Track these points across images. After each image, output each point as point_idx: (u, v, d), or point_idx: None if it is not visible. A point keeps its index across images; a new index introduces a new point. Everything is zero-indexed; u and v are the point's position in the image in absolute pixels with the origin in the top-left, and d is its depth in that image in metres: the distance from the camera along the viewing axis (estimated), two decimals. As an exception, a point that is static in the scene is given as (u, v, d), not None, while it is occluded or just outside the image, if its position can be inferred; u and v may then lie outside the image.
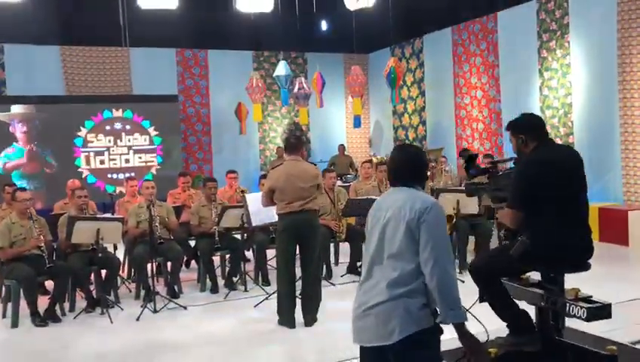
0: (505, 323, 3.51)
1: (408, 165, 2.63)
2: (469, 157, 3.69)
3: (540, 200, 3.20)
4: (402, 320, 2.37)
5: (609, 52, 8.89)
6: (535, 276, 3.62)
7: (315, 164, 5.84)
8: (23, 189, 6.05)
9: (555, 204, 3.21)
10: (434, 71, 12.78)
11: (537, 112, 10.16)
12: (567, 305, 3.24)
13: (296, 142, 5.40)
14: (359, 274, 6.67)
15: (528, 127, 3.46)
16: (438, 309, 2.43)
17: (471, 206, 6.61)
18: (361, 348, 2.58)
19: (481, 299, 3.55)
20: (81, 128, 11.64)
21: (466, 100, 11.88)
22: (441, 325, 2.46)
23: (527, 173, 3.29)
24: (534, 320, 3.57)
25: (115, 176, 11.85)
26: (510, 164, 3.97)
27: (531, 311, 3.59)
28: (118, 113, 11.91)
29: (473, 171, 3.72)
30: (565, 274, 3.44)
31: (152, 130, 12.18)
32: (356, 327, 2.54)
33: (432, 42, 12.83)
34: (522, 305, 3.53)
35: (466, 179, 7.35)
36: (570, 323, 3.65)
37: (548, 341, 3.42)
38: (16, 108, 11.22)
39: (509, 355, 3.25)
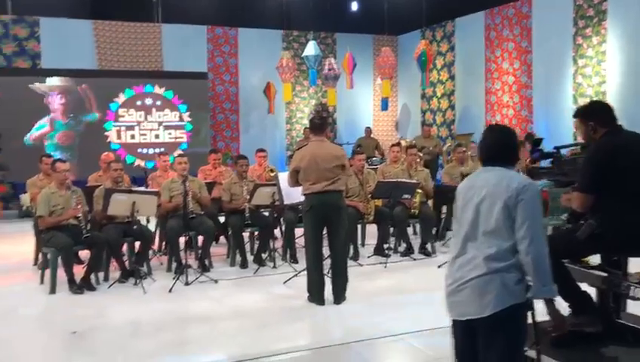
0: (567, 304, 3.58)
1: (501, 145, 2.67)
2: (534, 141, 3.73)
3: (611, 185, 3.24)
4: (498, 293, 2.45)
5: (647, 40, 8.75)
6: (595, 259, 3.68)
7: (341, 145, 5.91)
8: (63, 161, 6.19)
9: (625, 188, 3.25)
10: (465, 55, 12.67)
11: (569, 100, 10.07)
12: (632, 288, 3.27)
13: (321, 122, 5.44)
14: (386, 255, 6.79)
15: (598, 114, 3.50)
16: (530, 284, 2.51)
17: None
18: (454, 322, 2.67)
19: None
20: (120, 95, 11.82)
21: (496, 86, 11.77)
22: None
23: (598, 158, 3.33)
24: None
25: (144, 150, 12.03)
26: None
27: (592, 293, 3.65)
28: (149, 89, 12.06)
29: (536, 155, 3.78)
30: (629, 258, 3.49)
31: (181, 107, 12.31)
32: (450, 302, 2.62)
33: (464, 25, 12.69)
34: (583, 287, 3.59)
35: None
36: (630, 307, 3.71)
37: (609, 323, 3.49)
38: (53, 81, 11.41)
39: (570, 335, 3.32)
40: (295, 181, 5.30)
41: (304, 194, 5.27)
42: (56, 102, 11.38)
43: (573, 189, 3.39)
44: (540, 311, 2.60)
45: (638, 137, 3.60)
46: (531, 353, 2.78)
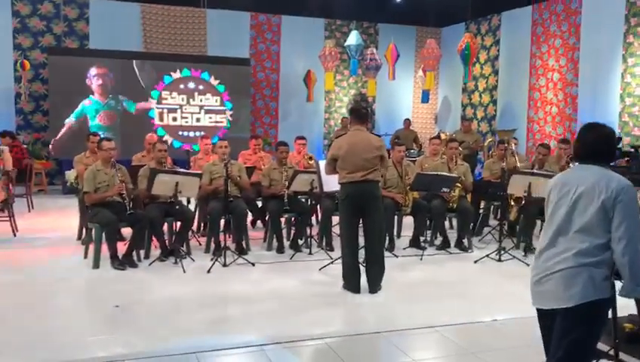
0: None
1: (601, 144, 2.71)
2: None
3: None
4: (585, 286, 2.53)
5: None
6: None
7: (380, 136, 5.91)
8: (109, 139, 6.36)
9: None
10: (510, 50, 12.46)
11: (616, 99, 9.83)
12: None
13: (365, 112, 5.45)
14: (421, 248, 6.79)
15: None
16: (620, 283, 2.58)
17: (542, 190, 6.50)
18: (538, 311, 2.78)
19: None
20: (160, 82, 12.05)
21: (541, 82, 11.56)
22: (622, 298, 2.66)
23: None
24: None
25: (185, 133, 12.23)
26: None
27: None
28: (193, 73, 12.23)
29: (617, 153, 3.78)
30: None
31: (223, 93, 12.45)
32: (536, 291, 2.72)
33: (510, 20, 12.48)
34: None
35: (538, 164, 7.26)
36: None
37: None
38: (94, 62, 11.67)
39: None
40: (333, 169, 5.34)
41: (340, 183, 5.30)
42: (94, 83, 11.63)
43: None
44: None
45: None
46: (604, 347, 2.90)
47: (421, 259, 6.58)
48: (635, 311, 3.75)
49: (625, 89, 9.73)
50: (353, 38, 12.12)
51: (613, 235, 2.52)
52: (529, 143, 11.54)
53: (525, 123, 11.93)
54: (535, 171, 6.91)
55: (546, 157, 7.36)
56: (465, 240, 7.13)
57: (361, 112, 5.45)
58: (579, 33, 10.67)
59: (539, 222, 7.14)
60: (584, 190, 2.61)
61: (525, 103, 11.95)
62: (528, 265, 6.35)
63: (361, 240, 5.39)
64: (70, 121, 11.50)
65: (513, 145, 8.65)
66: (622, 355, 3.06)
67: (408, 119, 13.59)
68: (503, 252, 6.54)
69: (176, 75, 12.13)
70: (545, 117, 11.48)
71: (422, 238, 7.00)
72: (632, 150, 3.43)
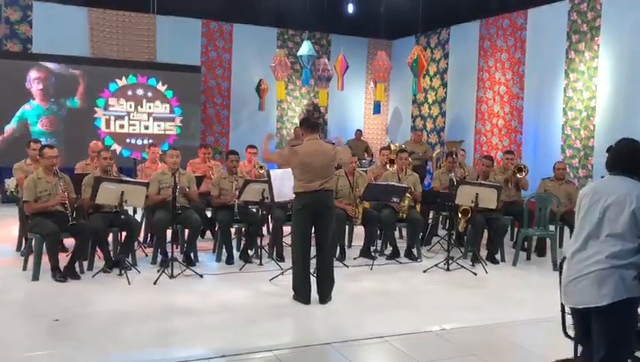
0: None
1: (634, 158, 2.98)
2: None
3: None
4: (616, 286, 2.79)
5: (639, 59, 8.85)
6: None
7: (334, 144, 5.93)
8: (51, 147, 6.13)
9: None
10: (458, 63, 12.75)
11: (560, 113, 10.18)
12: None
13: (316, 121, 5.51)
14: (372, 257, 6.81)
15: None
16: None
17: (489, 200, 6.65)
18: (572, 309, 3.03)
19: None
20: (104, 90, 11.74)
21: (488, 95, 11.87)
22: None
23: None
24: None
25: (133, 141, 11.95)
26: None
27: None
28: (141, 80, 11.98)
29: None
30: None
31: (172, 100, 12.25)
32: (568, 291, 2.99)
33: (458, 34, 12.77)
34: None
35: (482, 175, 7.43)
36: None
37: None
38: (35, 66, 11.28)
39: None
40: (286, 162, 5.31)
41: (297, 192, 5.26)
42: (34, 87, 11.25)
43: None
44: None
45: None
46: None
47: (371, 268, 6.60)
48: None
49: (567, 103, 10.08)
50: (305, 48, 12.14)
51: None
52: (476, 155, 11.80)
53: (473, 134, 12.21)
54: (482, 182, 7.06)
55: (489, 168, 7.54)
56: (414, 250, 7.20)
57: (312, 122, 5.49)
58: (524, 48, 11.01)
59: (486, 232, 7.30)
60: (615, 199, 2.88)
61: (473, 115, 12.23)
62: (476, 274, 6.46)
63: (312, 251, 5.36)
64: (11, 126, 11.06)
65: (461, 156, 8.84)
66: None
67: (360, 130, 13.69)
68: (451, 261, 6.63)
69: (123, 82, 11.85)
70: (492, 129, 11.78)
71: (372, 248, 7.03)
72: None
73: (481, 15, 11.97)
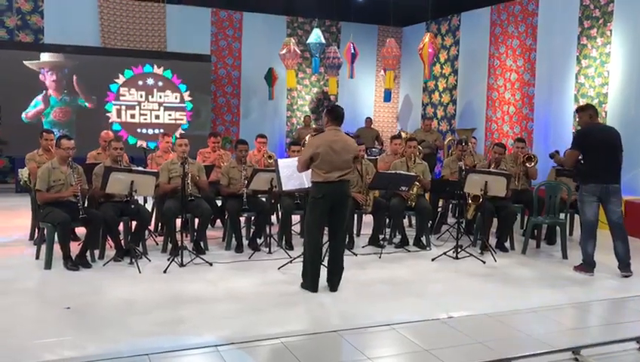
0: None
1: None
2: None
3: None
4: None
5: (652, 44, 8.74)
6: None
7: (348, 135, 5.93)
8: (69, 138, 6.15)
9: None
10: (469, 50, 12.65)
11: (571, 100, 10.08)
12: None
13: (342, 112, 5.36)
14: (380, 246, 6.83)
15: None
16: None
17: (498, 188, 6.62)
18: None
19: None
20: (120, 75, 11.80)
21: (499, 82, 11.77)
22: None
23: None
24: None
25: (144, 130, 12.02)
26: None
27: None
28: (152, 69, 12.03)
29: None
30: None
31: (183, 89, 12.29)
32: None
33: (469, 20, 12.66)
34: None
35: (494, 163, 7.39)
36: None
37: None
38: (47, 57, 11.35)
39: None
40: (307, 167, 5.28)
41: (316, 182, 5.23)
42: (47, 78, 11.33)
43: None
44: None
45: None
46: None
47: (380, 257, 6.62)
48: None
49: (579, 90, 9.98)
50: (315, 36, 12.10)
51: None
52: (487, 142, 11.74)
53: (484, 122, 12.13)
54: (491, 170, 7.02)
55: (501, 156, 7.49)
56: (423, 238, 7.20)
57: (339, 113, 5.34)
58: (535, 34, 10.90)
59: (495, 221, 7.27)
60: None
61: (484, 103, 12.15)
62: (484, 262, 6.46)
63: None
64: (24, 116, 11.17)
65: (472, 144, 8.79)
66: None
67: (370, 118, 13.66)
68: (460, 250, 6.63)
69: (138, 70, 11.91)
70: (503, 116, 11.70)
71: (381, 236, 7.04)
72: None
73: (492, 1, 11.85)
